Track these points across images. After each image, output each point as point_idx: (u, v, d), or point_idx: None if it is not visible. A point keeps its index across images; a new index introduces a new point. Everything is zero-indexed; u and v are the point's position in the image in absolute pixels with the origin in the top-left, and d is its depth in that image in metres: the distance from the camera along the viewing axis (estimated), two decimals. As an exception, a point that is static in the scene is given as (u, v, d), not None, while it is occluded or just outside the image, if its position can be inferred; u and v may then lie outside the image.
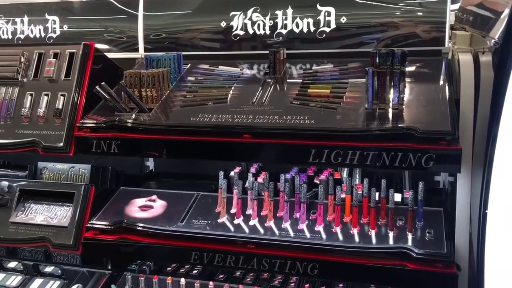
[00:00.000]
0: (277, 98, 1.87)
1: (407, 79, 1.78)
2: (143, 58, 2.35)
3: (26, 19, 2.53)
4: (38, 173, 2.29)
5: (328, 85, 1.87)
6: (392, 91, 1.69)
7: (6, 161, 2.50)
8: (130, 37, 2.40)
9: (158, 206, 2.04)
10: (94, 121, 1.91)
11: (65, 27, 2.48)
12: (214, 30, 2.27)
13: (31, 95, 2.02)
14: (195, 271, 2.16)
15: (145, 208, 2.03)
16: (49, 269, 2.30)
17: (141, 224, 1.91)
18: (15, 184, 2.14)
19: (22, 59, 2.05)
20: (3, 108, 2.03)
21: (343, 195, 1.81)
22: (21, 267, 2.32)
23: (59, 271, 2.26)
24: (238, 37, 2.24)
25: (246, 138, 1.70)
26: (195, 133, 1.76)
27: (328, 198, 1.82)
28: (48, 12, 2.49)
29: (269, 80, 2.00)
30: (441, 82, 1.83)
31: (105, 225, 1.95)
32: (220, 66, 2.16)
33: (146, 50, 2.37)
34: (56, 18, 2.49)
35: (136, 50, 2.40)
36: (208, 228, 1.86)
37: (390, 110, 1.69)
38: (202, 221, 1.90)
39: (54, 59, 2.02)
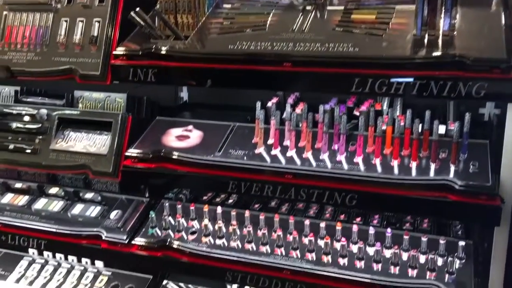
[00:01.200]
0: (319, 25, 1.79)
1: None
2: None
3: None
4: (75, 101, 2.30)
5: (373, 11, 1.77)
6: (443, 16, 1.58)
7: (43, 89, 2.51)
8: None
9: (195, 136, 2.04)
10: (130, 49, 1.88)
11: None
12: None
13: (66, 21, 1.98)
14: (230, 201, 2.20)
15: (182, 138, 2.04)
16: (89, 195, 2.37)
17: (178, 153, 1.92)
18: (54, 113, 2.16)
19: (55, -16, 2.00)
20: (38, 35, 2.01)
21: (384, 127, 1.76)
22: (62, 193, 2.40)
23: (99, 198, 2.32)
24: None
25: (286, 67, 1.65)
26: (233, 61, 1.71)
27: (368, 129, 1.78)
28: None
29: (309, 7, 1.90)
30: (496, 7, 1.70)
31: (143, 153, 1.97)
32: (257, -8, 2.06)
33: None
34: None
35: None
36: (245, 158, 1.86)
37: (440, 37, 1.59)
38: (239, 151, 1.90)
39: (88, -16, 1.96)
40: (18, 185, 2.51)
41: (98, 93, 2.27)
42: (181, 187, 2.17)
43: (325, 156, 1.80)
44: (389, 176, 1.67)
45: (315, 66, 1.62)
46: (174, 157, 1.91)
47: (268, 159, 1.84)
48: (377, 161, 1.74)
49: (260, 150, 1.89)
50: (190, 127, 2.09)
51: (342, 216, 2.00)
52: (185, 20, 1.89)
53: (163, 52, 1.79)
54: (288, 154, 1.85)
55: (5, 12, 2.07)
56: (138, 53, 1.84)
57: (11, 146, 2.15)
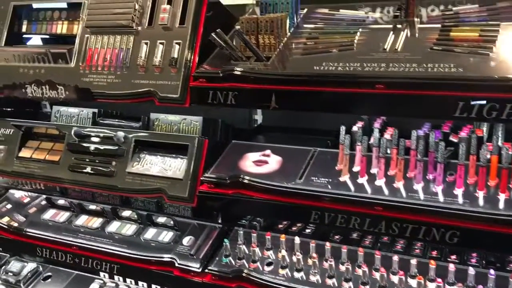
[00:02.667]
0: (413, 44, 1.65)
1: None
2: (253, 4, 2.22)
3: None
4: (151, 124, 2.27)
5: (476, 28, 1.61)
6: None
7: (118, 111, 2.52)
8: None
9: (273, 161, 1.94)
10: (210, 71, 1.82)
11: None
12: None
13: (146, 44, 1.96)
14: (308, 230, 2.07)
15: (260, 163, 1.94)
16: (161, 219, 2.33)
17: (258, 180, 1.82)
18: (130, 135, 2.14)
19: (137, 6, 1.98)
20: (119, 57, 2.00)
21: (488, 155, 1.58)
22: (135, 216, 2.37)
23: (171, 222, 2.27)
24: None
25: (379, 89, 1.52)
26: (320, 83, 1.60)
27: (469, 158, 1.60)
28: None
29: (400, 25, 1.76)
30: None
31: (220, 179, 1.90)
32: (341, 10, 1.95)
33: (258, -5, 2.21)
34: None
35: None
36: (329, 186, 1.73)
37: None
38: (322, 179, 1.78)
39: (168, 5, 1.93)
40: (93, 207, 2.52)
41: (173, 115, 2.23)
42: (259, 215, 2.07)
43: (419, 187, 1.64)
44: (496, 211, 1.48)
45: (413, 88, 1.48)
46: (252, 183, 1.82)
47: (354, 188, 1.70)
48: (480, 194, 1.56)
49: (345, 178, 1.76)
50: (268, 151, 1.99)
51: (434, 253, 1.81)
52: (267, 40, 1.81)
53: (245, 74, 1.72)
54: (377, 183, 1.70)
55: (86, 35, 2.09)
56: (218, 75, 1.78)
57: (88, 169, 2.14)
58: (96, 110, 2.43)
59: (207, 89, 1.80)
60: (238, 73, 1.73)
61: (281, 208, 1.79)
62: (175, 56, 1.88)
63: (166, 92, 1.88)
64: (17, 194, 2.79)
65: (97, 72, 2.04)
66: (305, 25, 1.94)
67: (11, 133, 2.41)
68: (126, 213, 2.43)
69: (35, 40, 2.42)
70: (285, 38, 1.87)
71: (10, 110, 2.78)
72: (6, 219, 2.57)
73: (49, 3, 2.30)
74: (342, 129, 1.80)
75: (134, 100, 1.95)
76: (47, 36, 2.38)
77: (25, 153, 2.35)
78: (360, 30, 1.79)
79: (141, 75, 1.95)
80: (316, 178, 1.78)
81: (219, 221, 2.29)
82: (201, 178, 1.94)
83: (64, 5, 2.27)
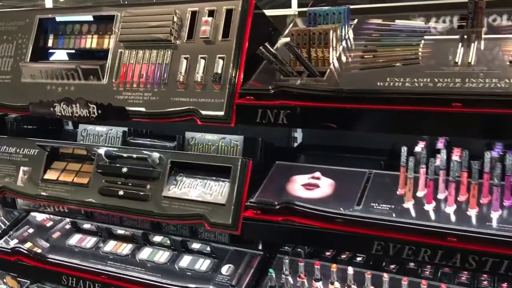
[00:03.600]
0: (487, 57, 1.50)
1: None
2: (295, 15, 2.08)
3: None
4: (186, 143, 2.13)
5: (560, 39, 1.46)
6: None
7: (148, 130, 2.38)
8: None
9: (325, 185, 1.78)
10: (259, 87, 1.67)
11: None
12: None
13: (186, 58, 1.82)
14: (358, 258, 1.91)
15: (310, 186, 1.79)
16: (196, 245, 2.17)
17: (311, 206, 1.66)
18: (166, 156, 1.99)
19: (175, 19, 1.85)
20: (156, 73, 1.86)
21: None
22: (168, 242, 2.21)
23: (208, 249, 2.11)
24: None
25: (456, 107, 1.36)
26: (389, 101, 1.45)
27: (554, 183, 1.44)
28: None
29: (467, 35, 1.61)
30: None
31: (268, 204, 1.74)
32: (396, 20, 1.81)
33: (300, 5, 2.08)
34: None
35: (287, 6, 2.12)
36: (394, 214, 1.57)
37: None
38: (384, 205, 1.62)
39: (210, 18, 1.79)
40: (121, 231, 2.37)
41: (211, 134, 2.09)
42: (312, 244, 1.91)
43: (496, 215, 1.48)
44: None
45: (496, 106, 1.32)
46: (305, 210, 1.66)
47: (422, 216, 1.54)
48: None
49: (410, 204, 1.60)
50: (318, 174, 1.83)
51: (504, 285, 1.65)
52: (320, 54, 1.66)
53: (300, 90, 1.57)
54: (447, 210, 1.54)
55: (120, 50, 1.96)
56: (268, 92, 1.63)
57: (121, 192, 1.99)
58: (126, 129, 2.29)
59: (256, 107, 1.65)
60: (292, 89, 1.58)
61: (337, 237, 1.63)
62: (219, 71, 1.74)
63: (210, 111, 1.74)
64: (39, 217, 2.65)
65: (132, 89, 1.89)
66: (357, 37, 1.80)
67: (35, 154, 2.27)
68: (158, 238, 2.28)
69: (60, 55, 2.28)
70: (338, 51, 1.72)
71: (30, 127, 2.65)
72: (28, 245, 2.43)
73: (78, 16, 2.17)
74: (404, 149, 1.64)
75: (173, 119, 1.81)
76: (73, 51, 2.25)
77: (51, 175, 2.21)
78: (423, 41, 1.64)
79: (181, 92, 1.81)
80: (377, 204, 1.62)
81: (260, 247, 2.13)
82: (246, 204, 1.78)
83: (93, 18, 2.13)
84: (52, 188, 2.16)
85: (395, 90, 1.44)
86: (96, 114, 1.93)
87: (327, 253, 1.97)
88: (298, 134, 2.31)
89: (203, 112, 1.74)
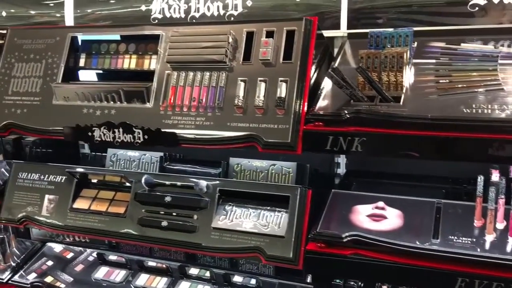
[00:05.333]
0: None
1: None
2: (345, 37, 2.01)
3: (202, -5, 2.24)
4: (231, 170, 2.01)
5: None
6: None
7: (181, 155, 2.25)
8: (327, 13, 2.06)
9: (392, 215, 1.69)
10: (329, 113, 1.58)
11: (249, 3, 2.17)
12: (443, 1, 1.87)
13: (243, 81, 1.71)
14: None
15: (377, 217, 1.69)
16: (239, 278, 2.04)
17: (384, 239, 1.56)
18: (213, 184, 1.87)
19: (230, 39, 1.74)
20: (210, 96, 1.74)
21: None
22: (208, 275, 2.07)
23: (253, 282, 1.99)
24: (476, 7, 1.82)
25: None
26: (477, 129, 1.37)
27: None
28: (229, -14, 2.19)
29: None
30: None
31: (333, 237, 1.63)
32: (462, 44, 1.75)
33: (350, 27, 2.00)
34: (239, -7, 2.18)
35: (336, 27, 2.04)
36: (478, 248, 1.48)
37: None
38: (464, 238, 1.53)
39: (271, 39, 1.70)
40: (153, 263, 2.22)
41: (259, 161, 1.97)
42: (378, 280, 1.80)
43: None
44: None
45: None
46: (378, 243, 1.56)
47: (508, 250, 1.46)
48: None
49: (491, 237, 1.51)
50: (381, 204, 1.74)
51: None
52: (393, 78, 1.58)
53: (378, 117, 1.48)
54: (535, 243, 1.46)
55: (167, 72, 1.84)
56: (340, 117, 1.53)
57: (164, 223, 1.85)
58: (161, 154, 2.15)
59: (326, 134, 1.55)
60: (369, 115, 1.49)
61: (415, 273, 1.53)
62: (283, 95, 1.64)
63: (273, 137, 1.62)
64: (57, 248, 2.47)
65: (183, 113, 1.77)
66: (423, 60, 1.73)
67: (62, 181, 2.10)
68: (195, 271, 2.14)
69: (90, 75, 2.14)
70: (406, 75, 1.65)
71: (47, 151, 2.48)
72: (49, 279, 2.25)
73: (114, 35, 2.04)
74: (480, 178, 1.56)
75: (231, 145, 1.69)
76: (105, 71, 2.12)
77: (81, 204, 2.05)
78: (499, 66, 1.59)
79: (238, 117, 1.69)
80: (456, 238, 1.53)
81: (308, 280, 2.02)
82: (309, 236, 1.67)
83: (131, 37, 2.01)
84: (84, 218, 2.00)
85: (495, 118, 1.36)
86: (142, 139, 1.79)
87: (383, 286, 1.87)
88: (341, 160, 2.21)
89: (266, 139, 1.63)
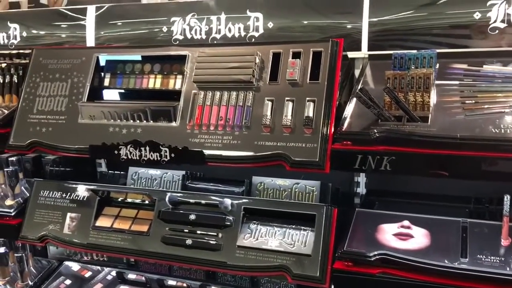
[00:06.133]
0: None
1: None
2: (365, 58, 2.05)
3: (223, 16, 2.29)
4: (254, 189, 2.02)
5: None
6: None
7: (202, 173, 2.26)
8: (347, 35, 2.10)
9: (418, 234, 1.70)
10: (358, 132, 1.60)
11: (270, 25, 2.22)
12: (464, 23, 1.91)
13: (270, 101, 1.74)
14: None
15: (403, 236, 1.70)
16: (260, 298, 2.04)
17: (412, 258, 1.57)
18: (237, 202, 1.88)
19: (257, 60, 1.78)
20: (237, 115, 1.77)
21: None
22: (229, 294, 2.07)
23: (277, 302, 1.98)
24: (496, 31, 1.87)
25: None
26: (507, 148, 1.40)
27: None
28: (250, 8, 2.24)
29: None
30: None
31: (360, 255, 1.64)
32: (484, 66, 1.79)
33: (371, 48, 2.05)
34: (260, 15, 2.23)
35: (357, 49, 2.08)
36: (507, 267, 1.49)
37: None
38: (492, 257, 1.54)
39: (298, 60, 1.73)
40: (173, 282, 2.21)
41: (282, 179, 1.99)
42: None
43: None
44: None
45: None
46: (407, 262, 1.56)
47: (538, 269, 1.47)
48: None
49: (521, 256, 1.52)
50: (407, 223, 1.75)
51: None
52: (419, 98, 1.61)
53: (408, 136, 1.50)
54: None
55: (193, 91, 1.87)
56: (369, 137, 1.56)
57: (189, 241, 1.85)
58: (184, 172, 2.17)
59: (355, 152, 1.58)
60: (398, 134, 1.51)
61: (442, 292, 1.53)
62: (310, 115, 1.67)
63: (301, 156, 1.65)
64: (74, 267, 2.46)
65: (209, 132, 1.80)
66: (446, 82, 1.76)
67: (84, 199, 2.11)
68: (216, 290, 2.13)
69: (113, 94, 2.18)
70: (431, 96, 1.68)
71: (66, 170, 2.50)
72: (68, 298, 2.24)
73: (139, 55, 2.08)
74: (507, 198, 1.58)
75: (258, 164, 1.71)
76: (123, 91, 2.15)
77: (103, 222, 2.05)
78: (523, 88, 1.62)
79: (266, 136, 1.72)
80: (484, 257, 1.54)
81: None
82: (336, 255, 1.67)
83: (156, 57, 2.05)
84: (106, 236, 2.00)
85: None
86: (168, 158, 1.81)
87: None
88: (361, 179, 2.23)
89: (294, 158, 1.65)
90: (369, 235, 1.73)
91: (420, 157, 1.50)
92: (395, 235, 1.71)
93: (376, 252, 1.62)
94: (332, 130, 1.65)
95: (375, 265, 1.61)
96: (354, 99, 1.74)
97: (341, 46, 1.73)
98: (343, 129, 1.64)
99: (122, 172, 2.48)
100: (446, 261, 1.55)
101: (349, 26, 2.10)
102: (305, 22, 2.16)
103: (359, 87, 1.62)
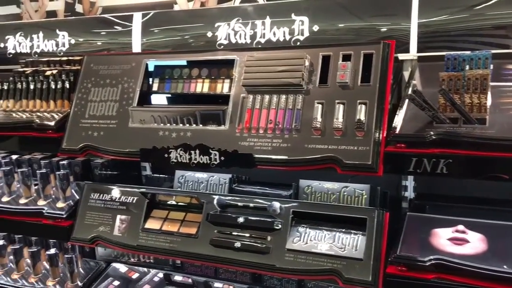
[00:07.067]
0: None
1: None
2: (414, 59, 2.02)
3: (268, 21, 2.30)
4: (301, 192, 2.02)
5: None
6: None
7: (247, 177, 2.28)
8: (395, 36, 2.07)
9: (474, 239, 1.66)
10: (412, 134, 1.58)
11: (316, 28, 2.21)
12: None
13: (321, 104, 1.74)
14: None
15: (459, 241, 1.66)
16: (309, 302, 2.02)
17: (470, 263, 1.53)
18: (285, 206, 1.88)
19: (306, 63, 1.78)
20: (287, 119, 1.78)
21: None
22: (276, 298, 2.07)
23: (324, 306, 1.97)
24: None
25: None
26: None
27: None
28: (296, 11, 2.24)
29: None
30: None
31: (414, 260, 1.61)
32: (541, 66, 1.74)
33: (420, 50, 2.01)
34: (305, 18, 2.22)
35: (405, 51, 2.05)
36: None
37: None
38: (555, 263, 1.48)
39: (348, 62, 1.73)
40: (219, 285, 2.23)
41: (330, 183, 1.98)
42: None
43: None
44: None
45: None
46: (463, 267, 1.53)
47: None
48: None
49: None
50: (461, 227, 1.71)
51: None
52: (475, 100, 1.58)
53: (467, 138, 1.47)
54: None
55: (242, 95, 1.88)
56: (424, 139, 1.53)
57: (238, 244, 1.86)
58: (230, 176, 2.18)
59: (409, 155, 1.56)
60: (456, 137, 1.48)
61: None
62: (362, 118, 1.65)
63: (353, 159, 1.64)
64: (121, 268, 2.51)
65: (259, 135, 1.81)
66: (501, 83, 1.72)
67: (134, 201, 2.15)
68: (261, 293, 2.13)
69: (158, 99, 2.21)
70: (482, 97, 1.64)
71: (113, 173, 2.55)
72: (117, 299, 2.28)
73: (185, 60, 2.12)
74: None
75: (309, 167, 1.71)
76: (169, 95, 2.19)
77: (152, 224, 2.08)
78: None
79: (316, 139, 1.71)
80: (546, 262, 1.49)
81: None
82: (389, 259, 1.65)
83: (203, 62, 2.08)
84: (155, 238, 2.04)
85: None
86: (218, 161, 1.83)
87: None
88: (409, 183, 2.19)
89: (346, 161, 1.64)
90: (422, 239, 1.70)
91: (479, 160, 1.46)
92: (450, 239, 1.68)
93: (431, 257, 1.58)
94: (385, 132, 1.64)
95: (430, 270, 1.58)
96: (406, 101, 1.72)
97: (392, 48, 1.71)
98: (396, 132, 1.62)
99: (165, 176, 2.52)
100: (505, 267, 1.50)
101: (396, 28, 2.07)
102: (350, 24, 2.15)
103: (411, 89, 1.59)
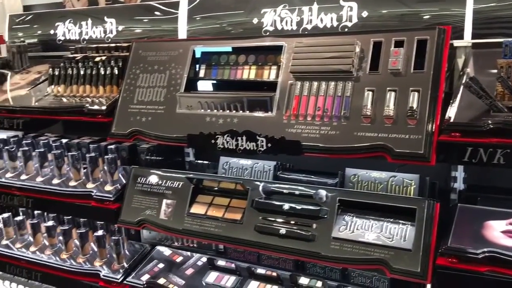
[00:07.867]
0: None
1: None
2: (468, 46, 1.94)
3: (315, 7, 2.26)
4: (347, 181, 1.99)
5: None
6: None
7: (291, 164, 2.27)
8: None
9: (530, 232, 1.60)
10: (467, 123, 1.53)
11: (365, 14, 2.16)
12: None
13: (371, 91, 1.71)
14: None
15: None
16: (352, 290, 2.01)
17: (524, 256, 1.48)
18: (331, 194, 1.86)
19: (357, 49, 1.75)
20: (336, 106, 1.75)
21: None
22: (320, 285, 2.06)
23: (368, 295, 1.95)
24: None
25: None
26: None
27: None
28: (344, -3, 2.20)
29: None
30: None
31: (466, 252, 1.57)
32: None
33: (475, 36, 1.94)
34: (354, 4, 2.18)
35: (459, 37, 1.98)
36: None
37: None
38: None
39: (401, 48, 1.68)
40: (262, 271, 2.24)
41: (377, 172, 1.95)
42: None
43: None
44: None
45: None
46: (518, 260, 1.48)
47: None
48: None
49: None
50: (516, 220, 1.65)
51: None
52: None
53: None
54: None
55: (290, 81, 1.87)
56: (481, 128, 1.48)
57: (282, 231, 1.87)
58: (275, 163, 2.18)
59: (464, 145, 1.51)
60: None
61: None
62: (414, 106, 1.61)
63: (404, 148, 1.60)
64: (166, 251, 2.56)
65: (306, 122, 1.79)
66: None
67: (179, 186, 2.19)
68: (305, 280, 2.13)
69: (204, 85, 2.22)
70: (546, 86, 1.57)
71: (158, 159, 2.60)
72: (162, 281, 2.33)
73: (229, 46, 2.11)
74: None
75: (357, 155, 1.68)
76: (215, 82, 2.19)
77: (197, 209, 2.11)
78: None
79: (366, 127, 1.69)
80: None
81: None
82: (439, 251, 1.61)
83: (250, 48, 2.07)
84: (200, 223, 2.06)
85: None
86: (264, 147, 1.83)
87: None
88: (459, 174, 2.13)
89: (397, 149, 1.61)
90: (474, 231, 1.66)
91: (540, 151, 1.40)
92: (504, 232, 1.62)
93: (484, 249, 1.54)
94: (439, 121, 1.59)
95: (483, 262, 1.54)
96: (461, 89, 1.66)
97: (448, 34, 1.66)
98: (450, 120, 1.57)
99: (207, 162, 2.55)
100: None
101: (449, 14, 2.00)
102: (401, 10, 2.09)
103: (468, 76, 1.54)
